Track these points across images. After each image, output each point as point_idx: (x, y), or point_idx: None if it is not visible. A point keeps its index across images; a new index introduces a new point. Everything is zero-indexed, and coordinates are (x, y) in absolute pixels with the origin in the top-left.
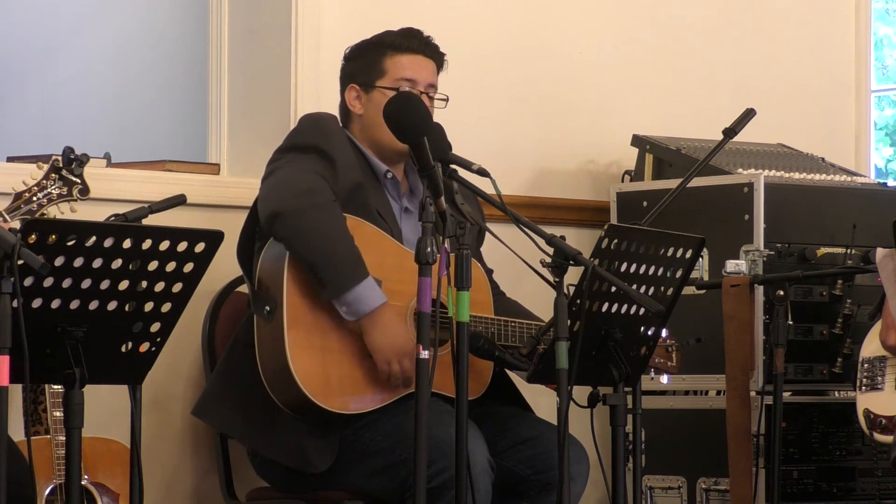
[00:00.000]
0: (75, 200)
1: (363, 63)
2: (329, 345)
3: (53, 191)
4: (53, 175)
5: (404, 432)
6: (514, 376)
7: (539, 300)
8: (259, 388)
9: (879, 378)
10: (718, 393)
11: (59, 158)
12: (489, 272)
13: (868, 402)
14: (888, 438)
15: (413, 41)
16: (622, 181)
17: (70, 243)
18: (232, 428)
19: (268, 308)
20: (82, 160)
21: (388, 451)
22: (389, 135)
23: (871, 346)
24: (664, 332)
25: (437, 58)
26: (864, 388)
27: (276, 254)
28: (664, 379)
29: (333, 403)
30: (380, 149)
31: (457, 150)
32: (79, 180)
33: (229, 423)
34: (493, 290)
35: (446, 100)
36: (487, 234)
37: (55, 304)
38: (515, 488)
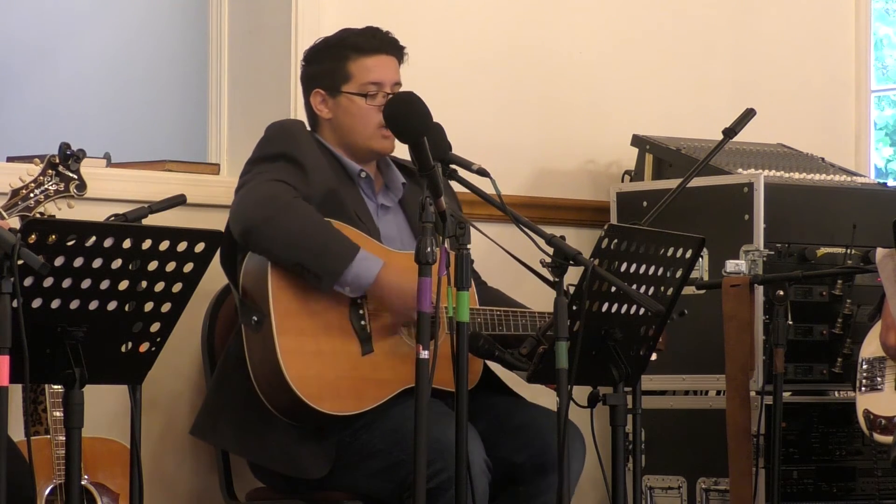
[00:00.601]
0: (72, 196)
1: (327, 67)
2: (321, 348)
3: (50, 187)
4: (50, 171)
5: (402, 433)
6: (512, 375)
7: (539, 300)
8: (253, 399)
9: (879, 378)
10: (718, 393)
11: (56, 155)
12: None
13: (868, 402)
14: (888, 439)
15: (374, 41)
16: (622, 181)
17: (70, 243)
18: (230, 444)
19: (255, 318)
20: (79, 156)
21: (387, 453)
22: (364, 134)
23: (870, 347)
24: None
25: (399, 53)
26: (863, 388)
27: (258, 262)
28: (651, 356)
29: (330, 406)
30: (353, 150)
31: (457, 150)
32: (76, 176)
33: (227, 440)
34: (474, 279)
35: None
36: (488, 235)
37: (55, 304)
38: (514, 478)
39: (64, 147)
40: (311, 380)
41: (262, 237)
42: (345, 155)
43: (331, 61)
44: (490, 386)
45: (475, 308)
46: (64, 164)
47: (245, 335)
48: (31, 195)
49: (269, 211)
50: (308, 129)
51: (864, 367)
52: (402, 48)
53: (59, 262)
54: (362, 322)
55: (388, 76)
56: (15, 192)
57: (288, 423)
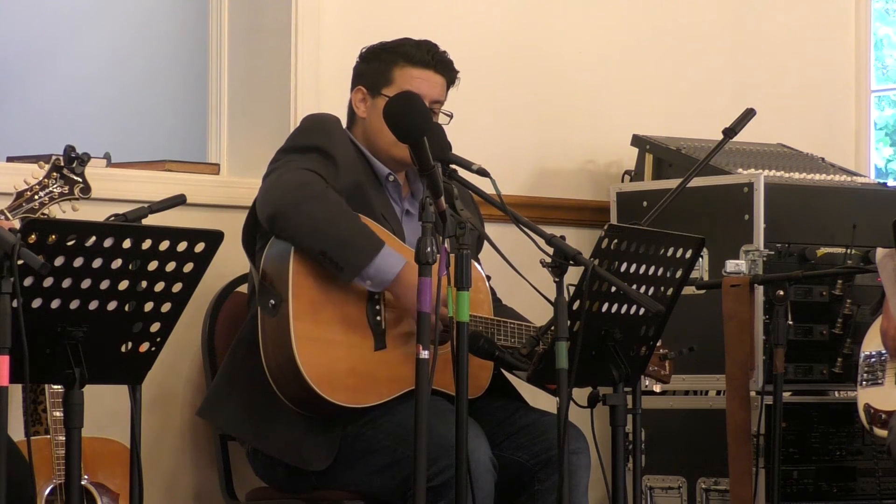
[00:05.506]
0: (77, 199)
1: (375, 67)
2: (334, 338)
3: (55, 189)
4: (55, 174)
5: (407, 430)
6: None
7: (538, 302)
8: (262, 386)
9: (880, 373)
10: (718, 393)
11: (61, 157)
12: (487, 278)
13: (868, 396)
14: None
15: (426, 55)
16: (622, 181)
17: (70, 243)
18: (235, 427)
19: (272, 301)
20: (84, 159)
21: (391, 449)
22: (387, 142)
23: (872, 342)
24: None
25: (449, 75)
26: (864, 382)
27: (281, 248)
28: (656, 387)
29: (338, 396)
30: (377, 154)
31: (457, 150)
32: (80, 179)
33: (232, 423)
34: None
35: (450, 116)
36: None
37: (55, 304)
38: (520, 478)
39: (69, 150)
40: (321, 368)
41: (289, 222)
42: (373, 157)
43: (379, 63)
44: (495, 390)
45: (486, 317)
46: (69, 167)
47: (260, 319)
48: (36, 197)
49: (298, 197)
50: (343, 126)
51: (865, 361)
52: (454, 71)
53: (59, 262)
54: (378, 318)
55: (429, 91)
56: (19, 195)
57: (294, 413)
